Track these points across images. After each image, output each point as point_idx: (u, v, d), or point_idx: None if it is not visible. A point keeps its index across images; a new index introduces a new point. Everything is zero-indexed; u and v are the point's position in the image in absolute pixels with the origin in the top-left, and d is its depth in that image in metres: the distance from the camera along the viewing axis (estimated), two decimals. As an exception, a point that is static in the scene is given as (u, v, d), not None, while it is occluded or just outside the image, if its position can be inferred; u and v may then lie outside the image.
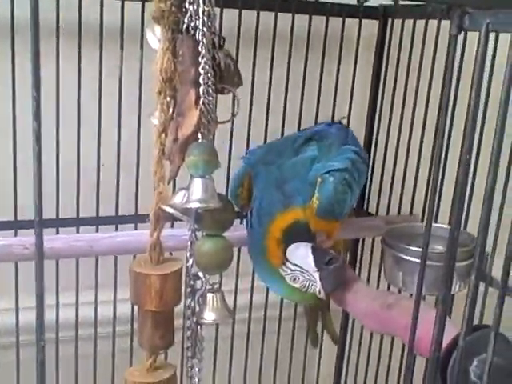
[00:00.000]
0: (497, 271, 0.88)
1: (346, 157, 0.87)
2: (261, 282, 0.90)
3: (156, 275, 0.69)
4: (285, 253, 0.83)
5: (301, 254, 0.82)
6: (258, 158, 0.91)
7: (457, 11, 0.46)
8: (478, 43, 0.48)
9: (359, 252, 1.14)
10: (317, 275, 0.81)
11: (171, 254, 0.91)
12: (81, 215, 0.95)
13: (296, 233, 0.83)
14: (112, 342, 1.02)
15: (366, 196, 1.12)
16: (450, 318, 0.88)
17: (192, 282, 0.74)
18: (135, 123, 0.93)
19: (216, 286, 0.73)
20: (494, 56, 0.82)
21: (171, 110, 0.67)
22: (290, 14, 0.97)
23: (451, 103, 0.91)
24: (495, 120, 0.51)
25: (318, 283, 0.81)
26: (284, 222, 0.83)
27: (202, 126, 0.66)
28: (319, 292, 0.81)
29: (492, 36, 0.50)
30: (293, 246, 0.82)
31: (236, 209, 0.93)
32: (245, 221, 0.90)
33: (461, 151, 0.60)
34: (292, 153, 0.90)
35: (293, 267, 0.82)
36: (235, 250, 0.99)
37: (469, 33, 0.57)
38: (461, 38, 0.57)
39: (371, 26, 1.06)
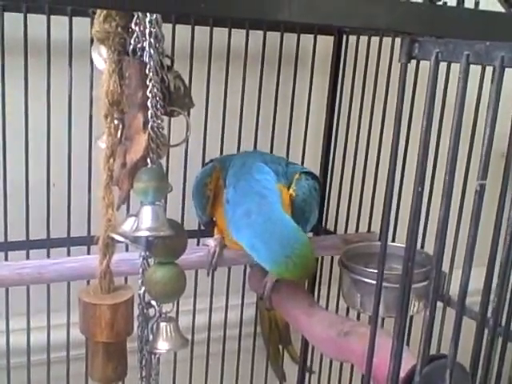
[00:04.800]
0: (454, 287, 0.88)
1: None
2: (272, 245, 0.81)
3: (106, 305, 0.67)
4: None
5: None
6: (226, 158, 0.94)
7: (406, 39, 0.45)
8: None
9: (318, 270, 1.12)
10: None
11: (126, 278, 0.88)
12: (31, 238, 0.91)
13: None
14: (66, 366, 0.98)
15: (324, 213, 1.10)
16: (409, 339, 0.88)
17: (145, 311, 0.72)
18: (86, 141, 0.90)
19: (169, 315, 0.71)
20: (446, 81, 0.81)
21: (119, 133, 0.65)
22: (245, 31, 0.96)
23: (406, 126, 0.91)
24: (448, 139, 0.50)
25: None
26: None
27: (150, 150, 0.64)
28: None
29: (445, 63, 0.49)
30: None
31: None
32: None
33: (416, 172, 0.59)
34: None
35: None
36: (192, 272, 0.98)
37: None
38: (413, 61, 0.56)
39: (326, 42, 1.06)
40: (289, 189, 0.87)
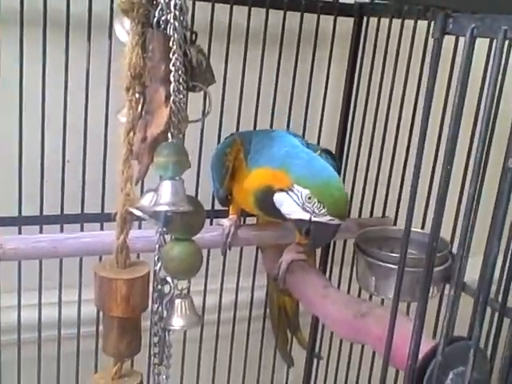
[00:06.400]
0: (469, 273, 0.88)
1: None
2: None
3: (122, 280, 0.66)
4: None
5: None
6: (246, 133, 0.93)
7: (439, 14, 0.44)
8: (455, 46, 0.46)
9: (331, 252, 1.12)
10: None
11: (138, 255, 0.88)
12: (45, 213, 0.91)
13: None
14: (76, 343, 0.98)
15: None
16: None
17: (160, 287, 0.72)
18: (102, 117, 0.89)
19: (184, 292, 0.70)
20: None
21: (140, 107, 0.65)
22: (264, 10, 0.95)
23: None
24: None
25: None
26: None
27: (171, 125, 0.63)
28: None
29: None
30: None
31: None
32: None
33: (435, 156, 0.59)
34: None
35: None
36: (205, 251, 0.98)
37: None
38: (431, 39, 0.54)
39: (346, 24, 1.04)
40: None
